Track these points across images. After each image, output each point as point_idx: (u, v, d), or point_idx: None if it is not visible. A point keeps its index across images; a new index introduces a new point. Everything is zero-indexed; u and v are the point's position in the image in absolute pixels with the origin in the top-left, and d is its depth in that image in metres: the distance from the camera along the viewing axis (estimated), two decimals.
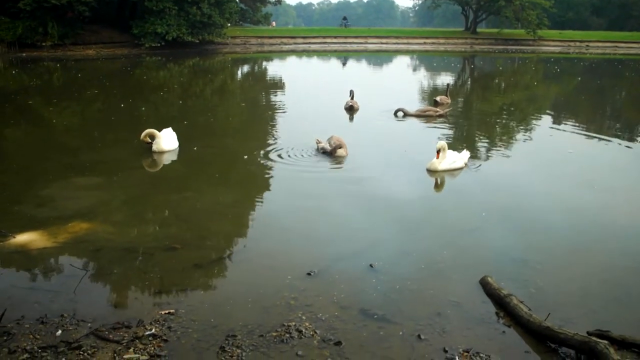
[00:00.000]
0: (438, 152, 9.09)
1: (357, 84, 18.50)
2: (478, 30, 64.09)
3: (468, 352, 4.27)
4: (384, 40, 56.40)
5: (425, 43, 56.33)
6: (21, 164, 9.86)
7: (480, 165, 9.82)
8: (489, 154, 11.01)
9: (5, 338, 4.30)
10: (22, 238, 6.27)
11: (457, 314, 4.88)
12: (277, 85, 24.12)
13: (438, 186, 8.82)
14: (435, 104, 16.39)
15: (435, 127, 13.50)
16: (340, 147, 9.98)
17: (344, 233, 6.67)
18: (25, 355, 4.07)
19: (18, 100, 17.89)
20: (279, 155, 10.14)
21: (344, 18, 74.67)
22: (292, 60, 41.74)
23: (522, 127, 14.54)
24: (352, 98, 15.93)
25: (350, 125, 13.95)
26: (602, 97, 22.30)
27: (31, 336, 4.33)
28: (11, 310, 4.65)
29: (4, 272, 5.59)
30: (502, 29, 60.24)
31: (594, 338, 4.17)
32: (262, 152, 10.47)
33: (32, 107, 16.78)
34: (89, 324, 4.52)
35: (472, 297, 5.16)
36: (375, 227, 6.89)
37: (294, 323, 4.56)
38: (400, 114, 14.69)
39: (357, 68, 36.49)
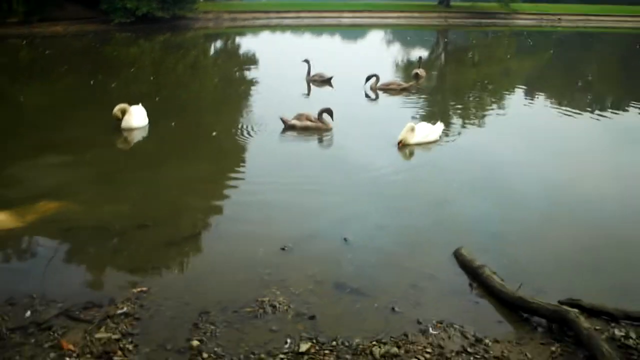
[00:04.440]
0: (400, 142, 9.02)
1: (330, 58, 18.35)
2: (452, 4, 63.89)
3: (442, 323, 4.30)
4: (358, 15, 55.83)
5: (399, 17, 55.95)
6: None
7: (454, 139, 9.82)
8: (463, 127, 11.03)
9: None
10: None
11: (431, 286, 4.90)
12: (250, 61, 23.81)
13: (412, 159, 8.81)
14: (416, 76, 16.40)
15: (408, 101, 13.47)
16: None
17: (317, 207, 6.65)
18: None
19: None
20: (252, 131, 10.02)
21: None
22: (265, 35, 41.22)
23: (495, 101, 14.56)
24: (308, 73, 15.88)
25: (323, 100, 13.82)
26: (573, 70, 22.46)
27: None
28: None
29: None
30: (476, 2, 60.12)
31: (565, 307, 4.23)
32: (234, 128, 10.34)
33: None
34: (60, 305, 4.43)
35: (446, 269, 5.19)
36: (349, 201, 6.87)
37: (268, 298, 4.54)
38: (373, 79, 14.51)
39: (331, 43, 36.18)
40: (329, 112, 10.07)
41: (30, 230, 5.93)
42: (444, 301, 4.67)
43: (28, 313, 4.31)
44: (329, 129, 10.01)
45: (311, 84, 15.68)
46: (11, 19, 36.68)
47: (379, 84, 14.53)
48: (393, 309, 4.48)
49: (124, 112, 9.98)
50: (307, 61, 16.00)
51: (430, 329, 4.22)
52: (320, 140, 9.67)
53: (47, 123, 11.35)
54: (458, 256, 5.32)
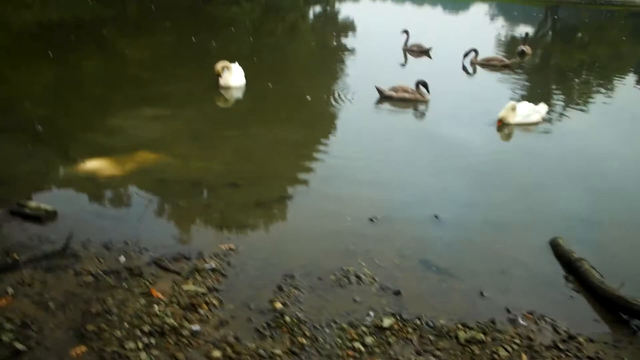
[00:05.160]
0: (499, 121, 8.59)
1: (431, 29, 17.82)
2: None
3: (532, 314, 4.09)
4: None
5: None
6: (93, 94, 10.04)
7: (556, 122, 9.29)
8: (566, 111, 10.40)
9: (72, 260, 4.42)
10: (92, 165, 6.40)
11: (523, 273, 4.68)
12: (349, 27, 23.55)
13: (510, 140, 8.42)
14: (522, 53, 15.64)
15: (509, 78, 12.86)
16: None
17: (410, 181, 6.50)
18: (90, 278, 4.16)
19: (93, 31, 18.14)
20: (345, 98, 9.92)
21: None
22: (365, 2, 40.64)
23: (603, 86, 13.66)
24: (405, 43, 15.51)
25: (419, 71, 13.46)
26: None
27: (96, 260, 4.43)
28: (78, 234, 4.76)
29: (73, 197, 5.76)
30: None
31: None
32: (328, 93, 10.26)
33: (106, 38, 17.00)
34: (151, 253, 4.58)
35: (540, 258, 4.93)
36: (443, 177, 6.67)
37: (352, 268, 4.48)
38: (472, 54, 14.00)
39: (432, 13, 35.20)
40: (424, 84, 9.78)
41: (128, 178, 6.16)
42: (536, 291, 4.44)
43: (122, 258, 4.48)
44: (425, 101, 9.74)
45: (408, 54, 15.32)
46: None
47: (480, 59, 13.97)
48: (481, 293, 4.30)
49: (225, 69, 10.12)
50: (405, 32, 15.63)
51: (520, 319, 4.02)
52: (415, 113, 9.44)
53: (149, 77, 11.74)
54: (554, 246, 5.04)
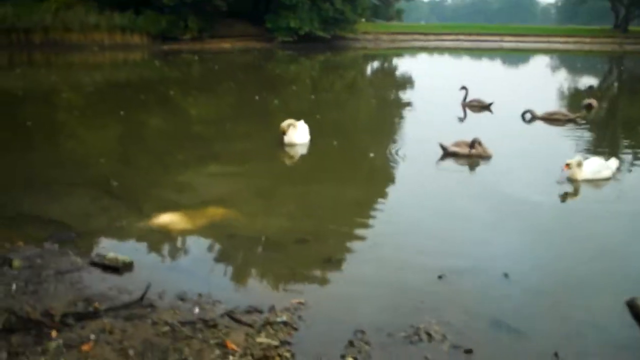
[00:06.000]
0: (567, 165, 8.41)
1: (490, 82, 17.83)
2: (629, 28, 59.13)
3: None
4: (521, 39, 53.67)
5: (567, 42, 52.83)
6: (162, 151, 10.53)
7: (626, 178, 9.03)
8: (637, 165, 10.13)
9: (149, 310, 4.60)
10: (164, 219, 6.69)
11: (598, 335, 4.52)
12: (407, 82, 23.88)
13: (580, 196, 8.23)
14: (589, 107, 15.38)
15: (574, 133, 12.63)
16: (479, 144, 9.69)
17: (477, 238, 6.44)
18: (167, 328, 4.32)
19: (160, 91, 19.10)
20: (408, 155, 9.98)
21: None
22: (423, 57, 41.18)
23: None
24: (464, 98, 15.54)
25: (480, 127, 13.42)
26: None
27: (172, 311, 4.60)
28: (154, 285, 4.94)
29: (147, 249, 6.04)
30: None
31: None
32: (391, 150, 10.36)
33: (172, 97, 17.82)
34: (224, 305, 4.71)
35: (617, 319, 4.76)
36: (511, 234, 6.58)
37: (423, 325, 4.46)
38: (528, 115, 13.87)
39: (491, 67, 35.23)
40: (473, 143, 9.70)
41: (199, 232, 6.41)
42: (613, 354, 4.29)
43: (196, 310, 4.63)
44: (489, 157, 9.70)
45: (467, 109, 15.36)
46: (186, 35, 40.25)
47: (542, 113, 13.81)
48: (556, 354, 4.18)
49: (291, 127, 10.39)
50: (464, 88, 15.71)
51: None
52: (477, 170, 9.33)
53: (214, 135, 12.22)
54: (632, 306, 4.86)
